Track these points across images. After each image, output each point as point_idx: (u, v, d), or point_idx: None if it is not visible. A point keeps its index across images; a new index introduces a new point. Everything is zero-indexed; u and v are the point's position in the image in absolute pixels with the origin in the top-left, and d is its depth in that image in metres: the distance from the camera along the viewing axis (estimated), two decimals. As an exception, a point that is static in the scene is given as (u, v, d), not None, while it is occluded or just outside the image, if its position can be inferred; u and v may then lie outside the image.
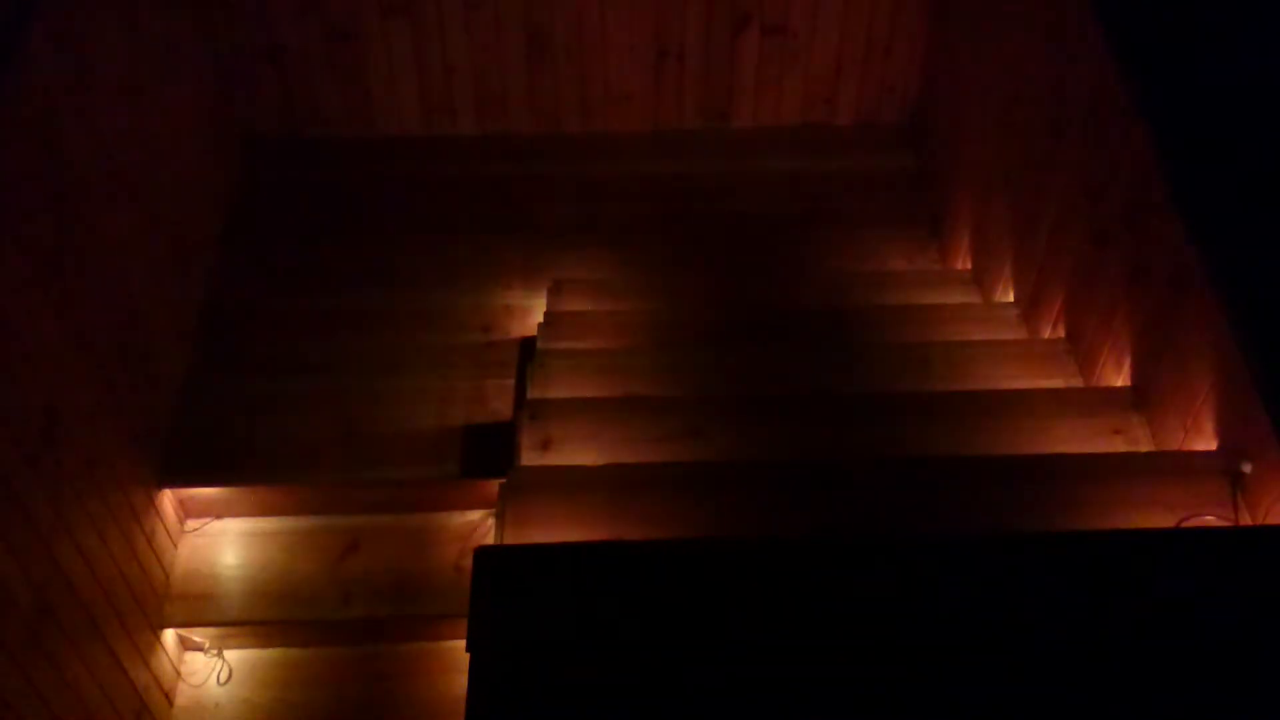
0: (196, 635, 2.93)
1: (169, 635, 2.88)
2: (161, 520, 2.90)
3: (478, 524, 3.04)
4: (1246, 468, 2.08)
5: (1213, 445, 2.20)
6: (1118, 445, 2.44)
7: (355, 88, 3.95)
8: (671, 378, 2.84)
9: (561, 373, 2.82)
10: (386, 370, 3.30)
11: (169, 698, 2.85)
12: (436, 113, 4.05)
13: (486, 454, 3.01)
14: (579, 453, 2.48)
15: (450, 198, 3.97)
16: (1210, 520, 2.11)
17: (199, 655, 2.96)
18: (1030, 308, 3.05)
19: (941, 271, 3.73)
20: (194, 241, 3.43)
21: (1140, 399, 2.48)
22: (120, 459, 2.68)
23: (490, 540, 2.96)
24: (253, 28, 3.76)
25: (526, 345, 3.29)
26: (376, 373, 3.29)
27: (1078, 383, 2.75)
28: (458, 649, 2.95)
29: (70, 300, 2.47)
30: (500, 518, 2.16)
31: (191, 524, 3.05)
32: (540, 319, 3.23)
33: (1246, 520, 2.10)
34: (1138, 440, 2.45)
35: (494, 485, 2.94)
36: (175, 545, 2.99)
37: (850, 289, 3.50)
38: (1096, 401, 2.55)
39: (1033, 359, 2.83)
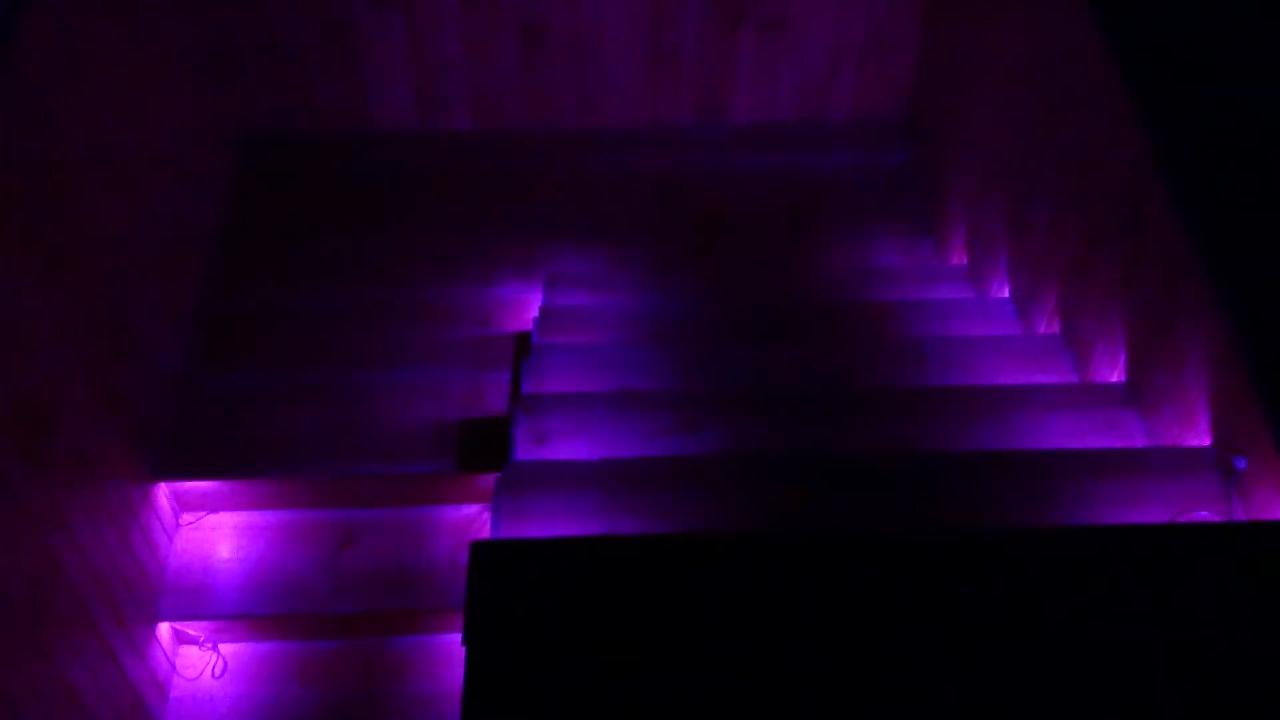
0: (191, 629, 2.93)
1: (164, 629, 2.88)
2: (156, 514, 2.90)
3: (473, 518, 3.04)
4: (1241, 464, 2.09)
5: (1206, 441, 2.21)
6: (1112, 441, 2.45)
7: (350, 82, 3.95)
8: (667, 372, 2.85)
9: (557, 367, 2.83)
10: (382, 364, 3.30)
11: (164, 691, 2.85)
12: (432, 107, 4.04)
13: (482, 448, 3.01)
14: (574, 447, 2.48)
15: (446, 192, 3.97)
16: (1204, 516, 2.12)
17: (194, 649, 2.96)
18: (1025, 303, 3.05)
19: (937, 266, 3.74)
20: (189, 235, 3.43)
21: (1135, 394, 2.49)
22: (115, 453, 2.67)
23: (486, 534, 2.96)
24: (247, 21, 3.76)
25: (522, 339, 3.29)
26: (372, 367, 3.29)
27: (1072, 378, 2.76)
28: (453, 643, 2.96)
29: (65, 295, 2.46)
30: (496, 512, 2.17)
31: (186, 518, 3.05)
32: (536, 313, 3.23)
33: (1240, 515, 2.11)
34: (1132, 436, 2.45)
35: (490, 479, 2.94)
36: (170, 539, 2.99)
37: (846, 284, 3.50)
38: (1091, 397, 2.55)
39: (1027, 354, 2.83)
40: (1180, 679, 1.65)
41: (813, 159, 4.13)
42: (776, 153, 4.14)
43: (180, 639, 2.96)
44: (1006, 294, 3.18)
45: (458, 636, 2.93)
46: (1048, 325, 2.92)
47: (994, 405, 2.54)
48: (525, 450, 2.47)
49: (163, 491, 2.95)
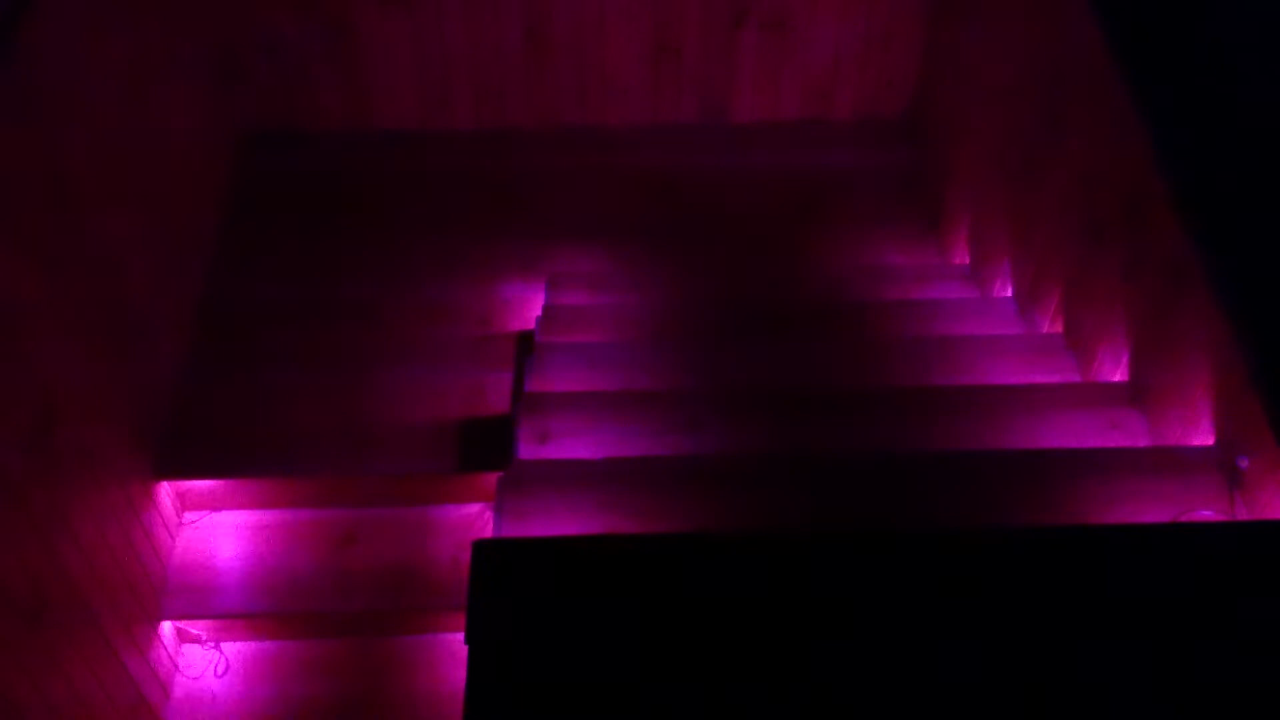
0: (194, 627, 2.93)
1: (166, 627, 2.89)
2: (159, 513, 2.90)
3: (475, 517, 3.04)
4: (1244, 463, 2.08)
5: (1209, 440, 2.21)
6: (1115, 440, 2.45)
7: (352, 81, 3.95)
8: (669, 371, 2.85)
9: (560, 366, 2.83)
10: (384, 363, 3.30)
11: (166, 690, 2.86)
12: (434, 106, 4.04)
13: (485, 447, 3.01)
14: (577, 446, 2.48)
15: (448, 191, 3.97)
16: (1206, 515, 2.12)
17: (196, 648, 2.96)
18: (1028, 302, 3.05)
19: (939, 266, 3.74)
20: (192, 235, 3.43)
21: (1137, 394, 2.49)
22: (117, 452, 2.68)
23: (488, 533, 2.96)
24: (249, 20, 3.76)
25: (524, 338, 3.29)
26: (374, 366, 3.29)
27: (1075, 377, 2.76)
28: (456, 641, 2.96)
29: (67, 293, 2.47)
30: (498, 510, 2.17)
31: (189, 516, 3.05)
32: (538, 312, 3.23)
33: (1243, 515, 2.10)
34: (1134, 435, 2.45)
35: (492, 478, 2.94)
36: (173, 537, 2.99)
37: (848, 283, 3.50)
38: (1093, 396, 2.55)
39: (1030, 354, 2.83)
40: (1181, 679, 1.65)
41: (814, 158, 4.13)
42: (778, 152, 4.14)
43: (183, 637, 2.96)
44: (1009, 293, 3.18)
45: (460, 635, 2.93)
46: (1050, 324, 2.92)
47: (996, 405, 2.54)
48: (528, 449, 2.47)
49: (165, 490, 2.95)
